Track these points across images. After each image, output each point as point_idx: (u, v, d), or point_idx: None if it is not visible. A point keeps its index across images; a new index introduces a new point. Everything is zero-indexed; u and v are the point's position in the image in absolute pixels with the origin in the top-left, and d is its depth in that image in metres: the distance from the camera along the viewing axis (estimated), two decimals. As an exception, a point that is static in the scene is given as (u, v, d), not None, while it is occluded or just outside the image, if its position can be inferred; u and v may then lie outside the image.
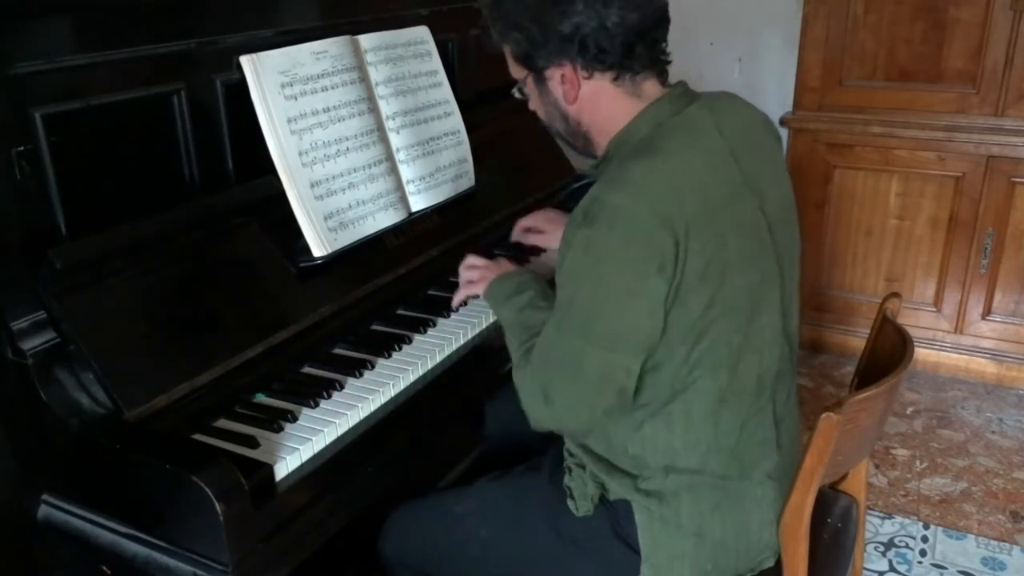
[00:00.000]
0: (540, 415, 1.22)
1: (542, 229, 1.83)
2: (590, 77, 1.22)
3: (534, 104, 1.33)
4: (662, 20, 1.23)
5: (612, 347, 1.14)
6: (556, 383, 1.18)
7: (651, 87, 1.25)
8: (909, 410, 2.79)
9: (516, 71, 1.31)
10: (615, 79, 1.23)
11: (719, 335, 1.17)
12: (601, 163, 1.29)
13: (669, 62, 1.27)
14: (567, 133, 1.32)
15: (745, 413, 1.23)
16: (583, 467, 1.31)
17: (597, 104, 1.24)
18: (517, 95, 1.36)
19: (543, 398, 1.20)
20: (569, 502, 1.31)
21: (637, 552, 1.26)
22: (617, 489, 1.27)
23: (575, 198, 2.27)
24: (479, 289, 1.54)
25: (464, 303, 1.66)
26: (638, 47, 1.21)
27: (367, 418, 1.36)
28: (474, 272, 1.59)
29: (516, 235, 1.88)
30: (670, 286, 1.11)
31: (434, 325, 1.61)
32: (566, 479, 1.33)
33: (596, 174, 1.30)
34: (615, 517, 1.28)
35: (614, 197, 1.12)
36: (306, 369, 1.47)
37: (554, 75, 1.24)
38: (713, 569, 1.26)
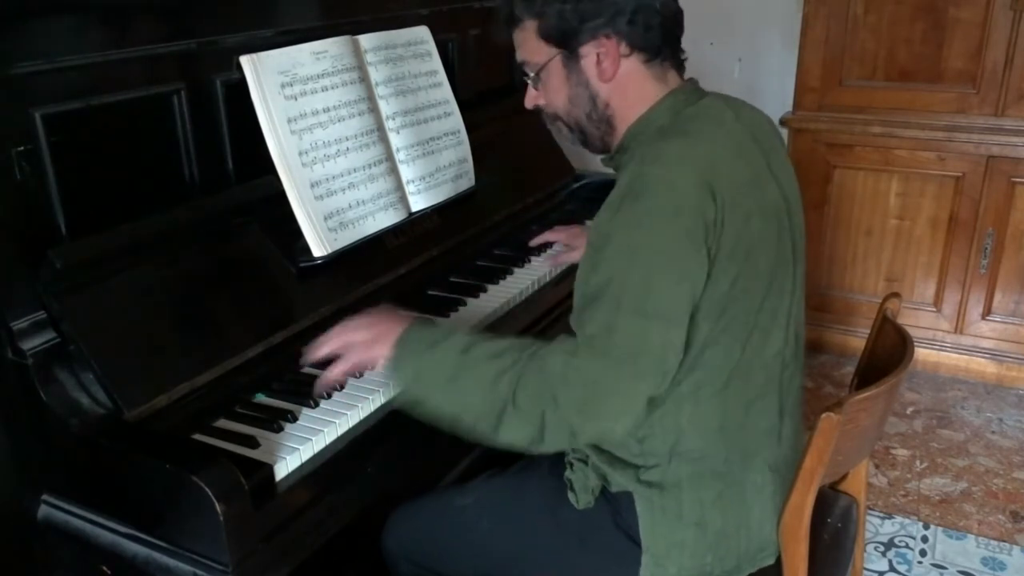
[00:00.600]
0: (586, 420, 1.08)
1: (571, 245, 1.88)
2: (629, 55, 1.23)
3: (552, 91, 1.29)
4: (683, 18, 1.27)
5: (671, 319, 1.10)
6: (614, 371, 1.08)
7: (673, 77, 1.28)
8: (909, 410, 2.79)
9: (539, 53, 1.27)
10: (647, 61, 1.24)
11: (737, 314, 1.18)
12: (616, 154, 1.30)
13: (686, 58, 1.30)
14: (590, 119, 1.29)
15: (751, 395, 1.24)
16: (584, 461, 1.31)
17: (627, 86, 1.25)
18: (529, 81, 1.32)
19: (591, 398, 1.07)
20: (569, 495, 1.31)
21: (638, 543, 1.26)
22: (619, 480, 1.27)
23: (575, 198, 2.28)
24: (377, 353, 1.22)
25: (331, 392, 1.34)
26: (671, 35, 1.25)
27: (367, 418, 1.36)
28: (359, 332, 1.25)
29: (537, 241, 1.93)
30: (709, 258, 1.12)
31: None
32: (567, 472, 1.33)
33: (610, 168, 1.31)
34: (616, 509, 1.29)
35: (657, 170, 1.13)
36: (306, 369, 1.47)
37: (590, 52, 1.23)
38: (713, 560, 1.26)
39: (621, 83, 1.25)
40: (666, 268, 1.10)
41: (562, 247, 1.93)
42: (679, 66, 1.29)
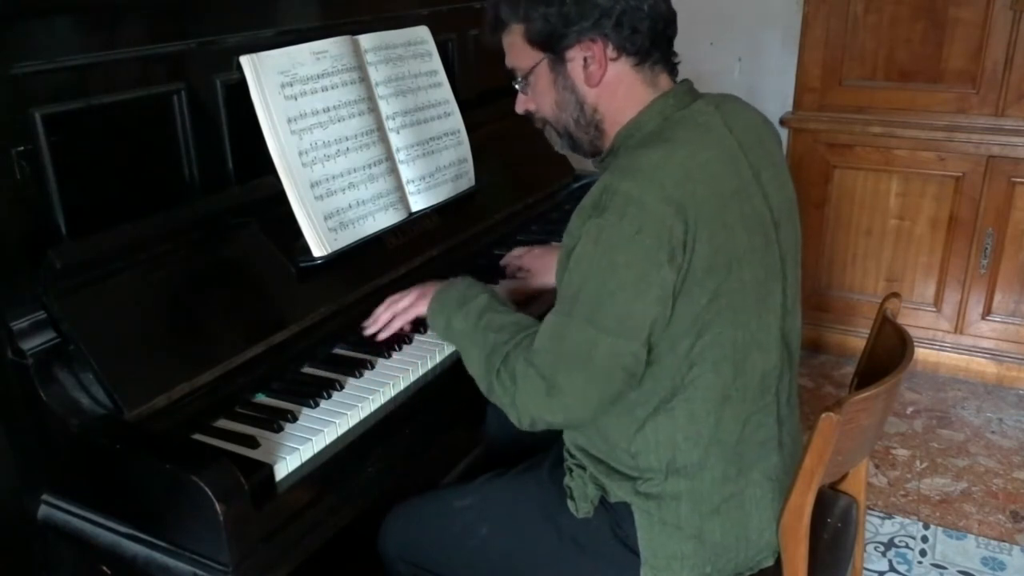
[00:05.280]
0: (541, 409, 1.19)
1: (530, 269, 1.76)
2: (617, 59, 1.22)
3: (540, 96, 1.29)
4: (675, 19, 1.25)
5: (622, 333, 1.13)
6: (564, 373, 1.16)
7: (665, 81, 1.26)
8: (909, 410, 2.79)
9: (526, 57, 1.26)
10: (637, 64, 1.23)
11: (722, 329, 1.17)
12: (606, 157, 1.29)
13: (679, 61, 1.28)
14: (578, 124, 1.28)
15: (749, 411, 1.23)
16: (583, 468, 1.31)
17: (616, 90, 1.24)
18: (517, 86, 1.31)
19: (547, 390, 1.17)
20: (569, 503, 1.31)
21: (636, 554, 1.26)
22: (617, 491, 1.26)
23: (575, 198, 2.28)
24: (420, 308, 1.46)
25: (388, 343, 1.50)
26: (661, 38, 1.23)
27: (367, 418, 1.36)
28: (405, 298, 1.49)
29: (506, 263, 1.81)
30: (678, 275, 1.12)
31: (434, 325, 1.61)
32: (566, 479, 1.33)
33: (599, 172, 1.30)
34: (615, 519, 1.28)
35: (625, 185, 1.12)
36: (306, 369, 1.47)
37: (577, 56, 1.22)
38: (712, 571, 1.26)
39: (609, 87, 1.24)
40: (622, 285, 1.12)
41: (524, 272, 1.78)
42: (671, 69, 1.27)
